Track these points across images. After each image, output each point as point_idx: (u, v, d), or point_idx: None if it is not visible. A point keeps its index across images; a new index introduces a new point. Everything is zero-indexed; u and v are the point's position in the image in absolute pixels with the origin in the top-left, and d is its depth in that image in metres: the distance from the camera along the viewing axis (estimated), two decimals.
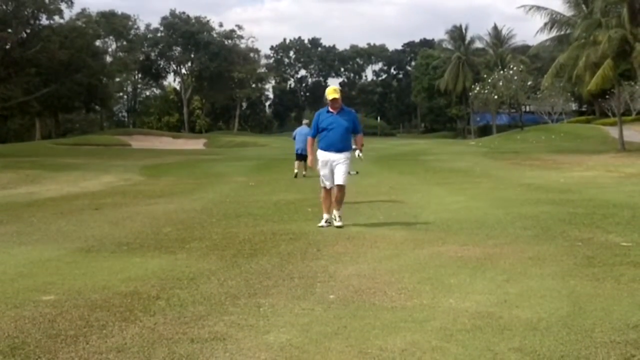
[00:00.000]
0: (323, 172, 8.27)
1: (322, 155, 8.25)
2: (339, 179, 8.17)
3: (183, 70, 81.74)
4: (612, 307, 4.18)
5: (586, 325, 3.81)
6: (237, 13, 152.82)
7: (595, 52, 27.94)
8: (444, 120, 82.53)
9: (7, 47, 42.25)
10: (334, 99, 8.10)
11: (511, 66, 55.77)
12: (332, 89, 8.25)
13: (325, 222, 8.17)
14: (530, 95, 56.65)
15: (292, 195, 12.70)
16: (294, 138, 18.52)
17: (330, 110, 8.17)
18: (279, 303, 4.45)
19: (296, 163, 18.19)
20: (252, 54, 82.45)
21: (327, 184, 8.25)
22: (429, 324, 3.89)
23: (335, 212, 8.16)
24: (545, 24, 31.47)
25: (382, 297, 4.59)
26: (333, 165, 8.16)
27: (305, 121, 19.33)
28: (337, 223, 8.05)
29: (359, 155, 8.74)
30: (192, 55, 78.79)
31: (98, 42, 61.87)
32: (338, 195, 8.19)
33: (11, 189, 15.92)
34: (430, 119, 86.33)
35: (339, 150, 8.15)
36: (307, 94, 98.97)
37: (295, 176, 17.84)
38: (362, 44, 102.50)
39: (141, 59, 76.76)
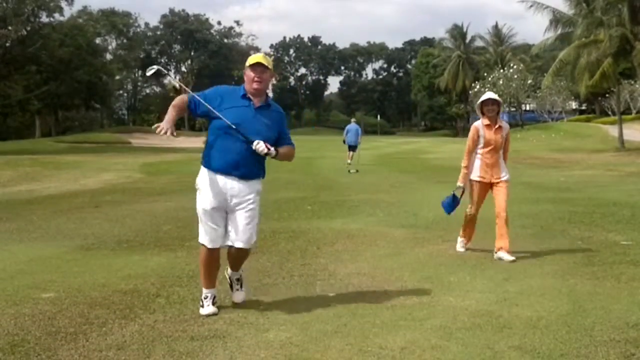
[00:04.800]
0: (205, 215, 4.17)
1: (212, 181, 4.17)
2: (242, 238, 4.19)
3: (183, 68, 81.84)
4: (612, 306, 4.18)
5: (586, 323, 3.81)
6: (235, 11, 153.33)
7: (596, 50, 27.97)
8: (444, 119, 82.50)
9: (7, 44, 42.19)
10: (259, 65, 4.26)
11: (511, 65, 55.78)
12: (261, 55, 4.52)
13: (211, 302, 4.23)
14: (530, 94, 56.68)
15: (292, 193, 12.68)
16: (346, 134, 22.22)
17: (249, 95, 4.28)
18: (279, 301, 4.45)
19: (349, 153, 21.68)
20: (252, 52, 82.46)
21: (208, 241, 4.18)
22: (428, 322, 3.89)
23: (229, 271, 4.48)
24: (551, 22, 31.50)
25: (382, 295, 4.59)
26: (230, 207, 4.17)
27: (353, 119, 23.51)
28: (236, 296, 4.46)
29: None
30: (192, 54, 78.85)
31: (98, 40, 61.90)
32: (237, 258, 4.38)
33: (11, 186, 15.91)
34: (430, 117, 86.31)
35: (244, 176, 4.18)
36: (307, 92, 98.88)
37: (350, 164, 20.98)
38: (362, 42, 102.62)
39: (141, 57, 76.84)
